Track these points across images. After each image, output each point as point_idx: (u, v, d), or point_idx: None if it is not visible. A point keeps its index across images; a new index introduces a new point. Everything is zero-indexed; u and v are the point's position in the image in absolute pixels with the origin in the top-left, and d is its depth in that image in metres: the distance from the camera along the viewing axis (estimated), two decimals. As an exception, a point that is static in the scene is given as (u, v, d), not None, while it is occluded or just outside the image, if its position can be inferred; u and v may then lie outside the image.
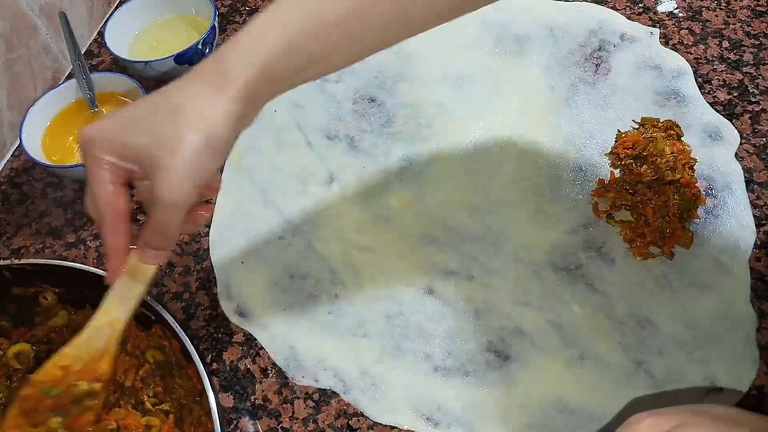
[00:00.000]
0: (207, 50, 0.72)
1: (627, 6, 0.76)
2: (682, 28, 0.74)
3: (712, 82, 0.69)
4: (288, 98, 0.73)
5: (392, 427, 0.53)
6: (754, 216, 0.60)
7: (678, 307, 0.56)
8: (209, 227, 0.65)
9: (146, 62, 0.70)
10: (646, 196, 0.59)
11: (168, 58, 0.69)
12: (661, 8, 0.75)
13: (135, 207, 0.65)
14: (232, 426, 0.55)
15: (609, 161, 0.64)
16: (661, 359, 0.54)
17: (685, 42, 0.72)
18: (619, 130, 0.65)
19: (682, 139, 0.63)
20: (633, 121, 0.66)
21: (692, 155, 0.62)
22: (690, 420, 0.40)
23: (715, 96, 0.68)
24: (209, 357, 0.58)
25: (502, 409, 0.53)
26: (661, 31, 0.73)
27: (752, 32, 0.72)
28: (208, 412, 0.46)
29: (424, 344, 0.57)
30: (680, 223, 0.58)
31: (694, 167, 0.61)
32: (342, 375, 0.56)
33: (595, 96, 0.69)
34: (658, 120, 0.64)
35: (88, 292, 0.55)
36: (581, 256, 0.59)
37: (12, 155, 0.74)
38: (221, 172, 0.69)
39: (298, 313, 0.59)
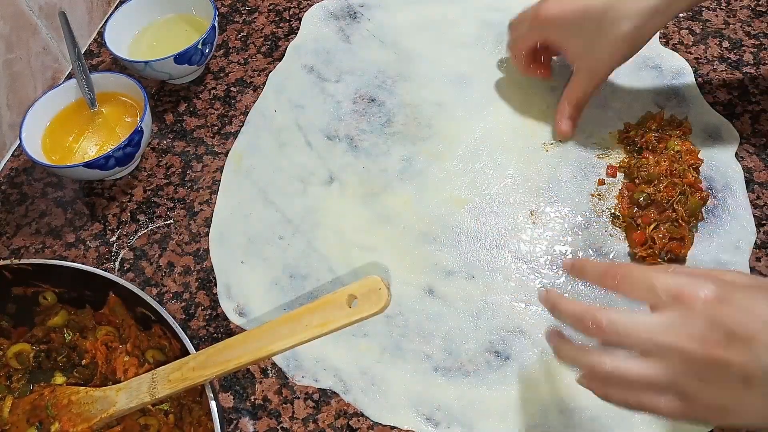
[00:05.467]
0: (207, 50, 0.72)
1: (627, 6, 0.76)
2: (682, 28, 0.74)
3: (713, 82, 0.69)
4: (288, 98, 0.73)
5: (392, 427, 0.53)
6: (754, 216, 0.60)
7: (678, 307, 0.56)
8: (209, 227, 0.65)
9: (146, 62, 0.70)
10: (652, 213, 0.58)
11: (168, 58, 0.69)
12: (661, 8, 0.75)
13: (137, 207, 0.65)
14: (232, 426, 0.55)
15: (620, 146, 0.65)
16: (661, 359, 0.54)
17: (685, 42, 0.72)
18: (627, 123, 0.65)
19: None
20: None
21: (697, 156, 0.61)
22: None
23: (716, 96, 0.68)
24: (209, 357, 0.58)
25: (502, 409, 0.53)
26: (661, 30, 0.73)
27: (752, 32, 0.72)
28: (208, 412, 0.46)
29: (424, 344, 0.57)
30: (688, 229, 0.57)
31: (699, 168, 0.61)
32: (342, 375, 0.56)
33: (594, 96, 0.68)
34: (661, 117, 0.64)
35: (87, 292, 0.55)
36: (581, 256, 0.59)
37: (12, 155, 0.74)
38: (221, 172, 0.69)
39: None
